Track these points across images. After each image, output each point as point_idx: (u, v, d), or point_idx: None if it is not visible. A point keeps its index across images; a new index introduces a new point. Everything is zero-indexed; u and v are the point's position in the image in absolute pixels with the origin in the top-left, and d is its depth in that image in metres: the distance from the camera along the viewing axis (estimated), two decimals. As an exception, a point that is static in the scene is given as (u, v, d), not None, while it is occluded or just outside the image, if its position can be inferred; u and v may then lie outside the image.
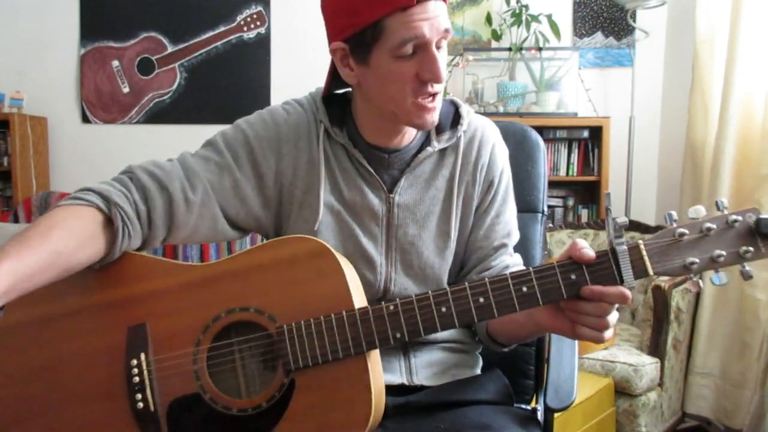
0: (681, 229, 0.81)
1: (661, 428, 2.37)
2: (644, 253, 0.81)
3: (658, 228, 2.76)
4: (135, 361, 0.89)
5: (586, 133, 3.08)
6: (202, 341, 0.88)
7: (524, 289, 0.84)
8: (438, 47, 0.93)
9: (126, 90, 3.50)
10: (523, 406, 1.20)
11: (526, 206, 1.28)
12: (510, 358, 1.22)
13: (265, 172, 1.02)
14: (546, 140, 3.04)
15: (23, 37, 3.48)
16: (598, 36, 3.29)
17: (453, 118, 1.07)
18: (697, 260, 0.80)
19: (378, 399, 0.86)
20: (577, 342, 1.11)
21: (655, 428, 2.31)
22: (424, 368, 1.04)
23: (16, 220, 3.15)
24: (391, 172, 1.04)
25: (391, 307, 0.86)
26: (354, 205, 1.03)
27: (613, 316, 0.83)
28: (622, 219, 0.81)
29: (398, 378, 1.02)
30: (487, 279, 0.85)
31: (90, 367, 0.90)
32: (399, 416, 0.95)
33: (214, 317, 0.89)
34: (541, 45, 3.14)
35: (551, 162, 3.14)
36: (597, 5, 3.28)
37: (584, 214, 3.20)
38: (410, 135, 1.05)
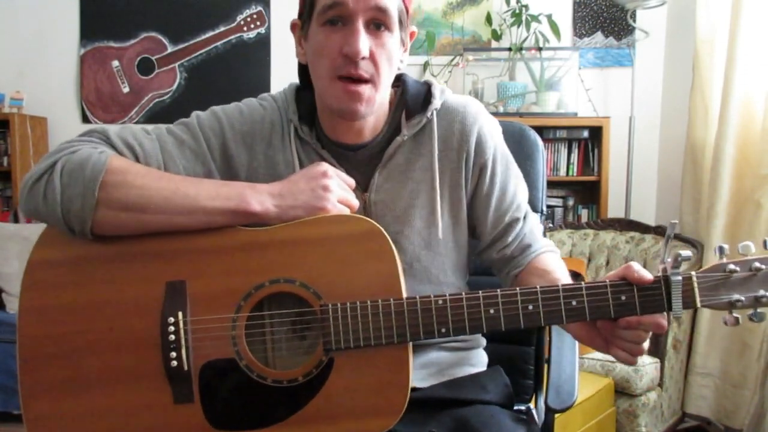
0: (732, 266, 0.83)
1: (661, 428, 2.37)
2: (696, 285, 0.84)
3: (658, 228, 2.76)
4: (172, 319, 0.87)
5: (586, 133, 3.08)
6: (242, 308, 0.87)
7: (574, 303, 0.85)
8: (375, 26, 0.91)
9: (126, 90, 3.50)
10: (519, 406, 1.20)
11: (526, 206, 1.27)
12: (510, 358, 1.22)
13: (237, 167, 1.00)
14: (546, 140, 3.04)
15: (23, 37, 3.48)
16: (598, 36, 3.28)
17: (424, 99, 1.03)
18: (743, 298, 0.83)
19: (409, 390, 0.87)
20: (577, 342, 1.11)
21: (655, 428, 2.31)
22: (419, 370, 1.02)
23: (16, 220, 3.15)
24: (363, 170, 1.01)
25: (440, 302, 0.86)
26: None
27: (646, 343, 0.87)
28: (687, 253, 0.82)
29: None
30: (539, 287, 0.86)
31: (123, 316, 0.88)
32: None
33: (256, 285, 0.87)
34: (541, 45, 3.14)
35: (551, 162, 3.14)
36: (597, 5, 3.28)
37: (584, 214, 3.20)
38: (371, 129, 1.01)
